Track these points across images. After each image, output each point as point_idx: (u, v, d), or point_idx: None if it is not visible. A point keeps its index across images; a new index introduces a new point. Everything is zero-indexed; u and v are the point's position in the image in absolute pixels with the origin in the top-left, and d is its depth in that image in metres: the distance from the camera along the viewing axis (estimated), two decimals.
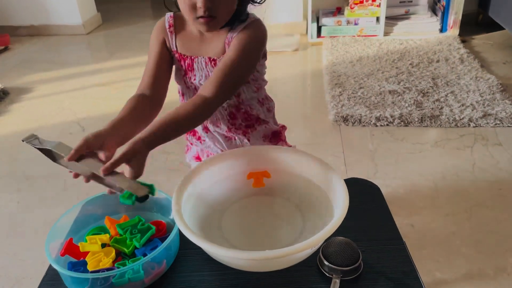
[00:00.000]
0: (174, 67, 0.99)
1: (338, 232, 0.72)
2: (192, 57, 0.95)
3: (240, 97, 0.99)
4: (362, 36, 3.00)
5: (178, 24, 0.94)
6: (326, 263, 0.77)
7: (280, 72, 2.60)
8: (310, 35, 3.03)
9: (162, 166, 1.79)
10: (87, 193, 1.67)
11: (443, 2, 2.94)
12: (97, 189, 1.72)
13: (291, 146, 1.16)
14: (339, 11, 3.10)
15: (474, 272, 1.25)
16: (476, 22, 3.14)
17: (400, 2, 3.04)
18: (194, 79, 0.97)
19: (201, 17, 0.83)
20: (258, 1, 0.92)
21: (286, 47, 2.91)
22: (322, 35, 3.03)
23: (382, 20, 2.93)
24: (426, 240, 1.36)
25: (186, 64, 0.96)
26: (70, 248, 0.83)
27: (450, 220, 1.44)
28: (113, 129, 0.78)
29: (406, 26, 3.00)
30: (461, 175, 1.65)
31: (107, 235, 0.86)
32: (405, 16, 3.04)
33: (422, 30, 2.97)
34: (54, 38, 3.46)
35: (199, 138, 1.07)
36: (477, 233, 1.38)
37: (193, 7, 0.83)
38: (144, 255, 0.80)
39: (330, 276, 0.76)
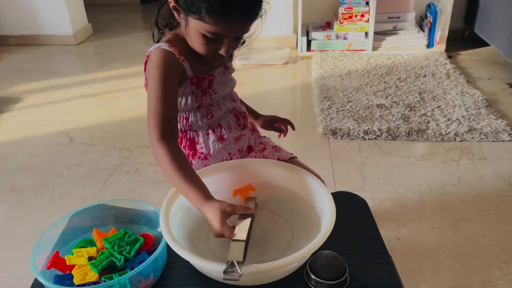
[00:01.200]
0: (179, 96, 0.97)
1: (325, 245, 0.73)
2: (211, 73, 0.98)
3: (236, 101, 1.07)
4: (351, 50, 3.04)
5: (181, 50, 0.91)
6: (313, 276, 0.77)
7: (270, 85, 2.61)
8: (300, 48, 3.07)
9: (150, 178, 1.79)
10: (75, 204, 1.67)
11: (430, 19, 3.00)
12: (85, 201, 1.71)
13: (264, 137, 1.19)
14: (328, 25, 3.15)
15: (460, 285, 1.26)
16: (462, 38, 3.21)
17: (388, 18, 3.09)
18: (216, 93, 0.99)
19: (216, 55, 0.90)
20: None
21: (276, 60, 2.93)
22: (311, 49, 3.07)
23: (371, 35, 2.98)
24: (413, 253, 1.38)
25: (206, 83, 0.97)
26: (56, 261, 0.82)
27: (436, 233, 1.46)
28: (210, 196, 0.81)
29: (394, 41, 3.05)
30: (447, 188, 1.68)
31: (94, 248, 0.85)
32: (393, 32, 3.10)
33: (409, 46, 3.03)
34: (44, 48, 3.45)
35: (205, 157, 1.04)
36: (462, 246, 1.40)
37: (214, 51, 0.88)
38: (131, 268, 0.80)
39: None
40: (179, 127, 1.00)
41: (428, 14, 3.06)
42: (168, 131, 0.84)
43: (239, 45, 0.96)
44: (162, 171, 0.83)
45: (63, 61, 3.21)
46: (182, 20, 0.87)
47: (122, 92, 2.63)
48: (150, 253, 0.82)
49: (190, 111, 0.99)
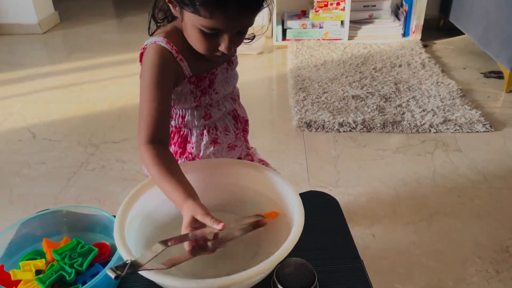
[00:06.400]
0: (177, 94, 0.89)
1: (293, 251, 0.68)
2: (213, 71, 0.89)
3: (236, 101, 1.00)
4: (327, 39, 3.00)
5: (180, 47, 0.83)
6: (279, 286, 0.72)
7: (245, 75, 2.54)
8: (275, 38, 3.00)
9: (117, 176, 1.71)
10: (35, 205, 1.58)
11: (406, 7, 2.97)
12: (47, 202, 1.61)
13: (252, 148, 1.12)
14: (304, 14, 3.09)
15: (434, 283, 1.24)
16: (438, 27, 3.20)
17: (364, 6, 3.05)
18: (217, 93, 0.91)
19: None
20: None
21: (251, 50, 2.86)
22: (287, 38, 3.01)
23: (347, 24, 2.94)
24: (387, 251, 1.35)
25: (206, 82, 0.89)
26: (0, 276, 0.75)
27: (411, 229, 1.43)
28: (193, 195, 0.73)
29: (370, 30, 3.01)
30: (421, 182, 1.65)
31: (43, 260, 0.78)
32: (369, 20, 3.06)
33: (385, 34, 3.00)
34: (7, 37, 3.29)
35: (193, 159, 0.97)
36: (437, 242, 1.38)
37: (214, 48, 0.78)
38: (83, 283, 0.74)
39: None
40: (174, 124, 0.94)
41: (404, 3, 3.03)
42: (157, 135, 0.79)
43: (250, 39, 0.89)
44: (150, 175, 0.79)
45: (27, 51, 3.06)
46: (178, 14, 0.78)
47: (89, 85, 2.52)
48: (105, 264, 0.76)
49: (187, 109, 0.92)
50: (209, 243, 0.70)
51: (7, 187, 1.67)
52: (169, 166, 0.76)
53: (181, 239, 0.68)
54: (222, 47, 0.76)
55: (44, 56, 3.04)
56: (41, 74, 2.68)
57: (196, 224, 0.69)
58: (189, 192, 0.73)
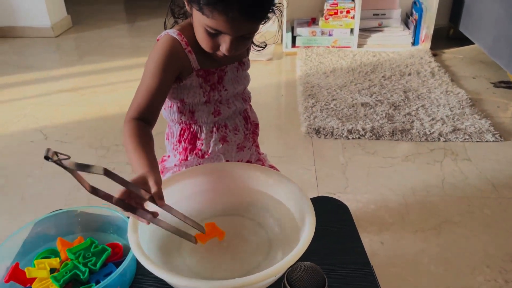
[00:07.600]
0: (179, 88, 0.91)
1: (304, 255, 0.69)
2: (222, 68, 0.92)
3: (247, 102, 1.02)
4: (336, 47, 3.01)
5: (191, 40, 0.87)
6: None
7: (254, 81, 2.54)
8: (284, 44, 3.02)
9: (127, 178, 1.72)
10: (46, 206, 1.60)
11: (416, 16, 2.98)
12: (57, 203, 1.63)
13: (262, 153, 1.13)
14: (313, 21, 3.10)
15: None
16: (447, 36, 3.20)
17: (374, 14, 3.06)
18: (226, 90, 0.94)
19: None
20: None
21: (260, 56, 2.88)
22: (296, 45, 3.03)
23: (356, 32, 2.95)
24: (396, 258, 1.35)
25: (215, 78, 0.92)
26: (15, 274, 0.77)
27: (419, 237, 1.43)
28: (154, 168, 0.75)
29: (379, 38, 3.02)
30: (430, 190, 1.65)
31: (57, 259, 0.79)
32: (379, 29, 3.07)
33: (394, 43, 3.00)
34: (20, 40, 3.33)
35: (202, 156, 1.00)
36: (445, 250, 1.38)
37: (215, 47, 0.82)
38: (97, 282, 0.75)
39: None
40: (184, 120, 0.96)
41: (414, 12, 3.04)
42: (145, 115, 0.84)
43: (261, 47, 0.94)
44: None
45: (39, 54, 3.10)
46: (190, 10, 0.83)
47: (100, 88, 2.55)
48: (118, 264, 0.77)
49: (197, 105, 0.94)
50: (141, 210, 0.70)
51: (19, 187, 1.69)
52: (141, 140, 0.79)
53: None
54: (223, 48, 0.80)
55: (56, 59, 3.07)
56: (53, 77, 2.72)
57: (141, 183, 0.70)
58: (152, 166, 0.74)
